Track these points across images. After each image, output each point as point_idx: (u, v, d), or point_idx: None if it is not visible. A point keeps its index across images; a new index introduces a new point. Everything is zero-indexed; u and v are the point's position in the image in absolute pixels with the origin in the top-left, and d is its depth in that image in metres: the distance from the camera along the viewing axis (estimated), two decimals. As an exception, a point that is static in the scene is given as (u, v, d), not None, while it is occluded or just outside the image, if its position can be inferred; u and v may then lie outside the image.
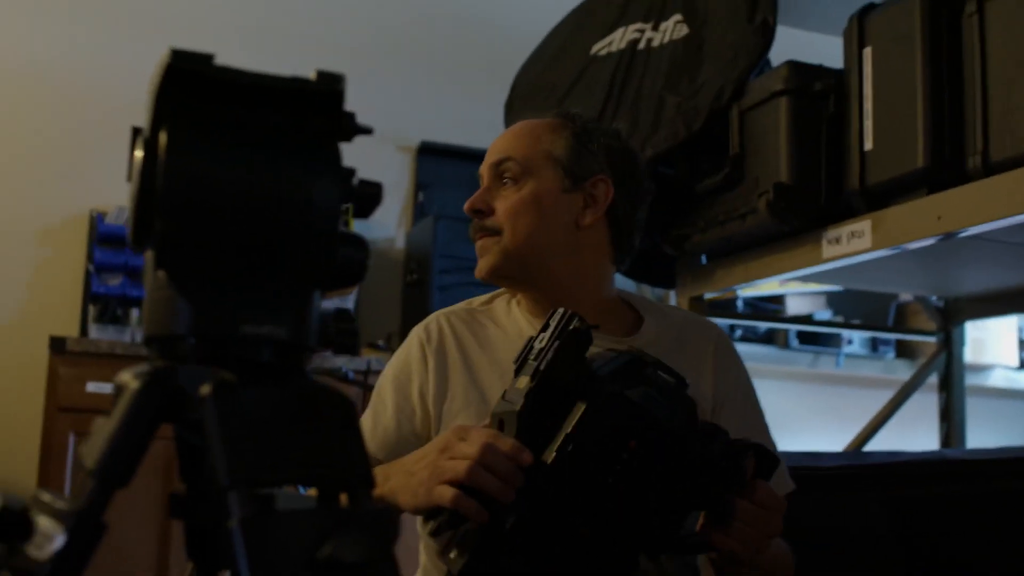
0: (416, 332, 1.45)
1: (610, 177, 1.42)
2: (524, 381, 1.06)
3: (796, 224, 1.99)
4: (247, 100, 0.61)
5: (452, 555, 1.03)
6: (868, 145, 1.83)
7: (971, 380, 3.20)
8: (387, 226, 3.99)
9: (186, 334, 0.59)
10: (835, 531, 1.91)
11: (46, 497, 0.55)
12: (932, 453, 2.37)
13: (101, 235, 3.44)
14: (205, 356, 0.59)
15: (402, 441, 1.37)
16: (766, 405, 1.49)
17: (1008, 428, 4.02)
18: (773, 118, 1.97)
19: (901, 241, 1.79)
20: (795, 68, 1.96)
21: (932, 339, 3.00)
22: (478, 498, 1.02)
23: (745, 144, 2.06)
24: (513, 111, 2.64)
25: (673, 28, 2.27)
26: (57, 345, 3.04)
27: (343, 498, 0.58)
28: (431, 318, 1.47)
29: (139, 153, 0.59)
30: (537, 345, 1.08)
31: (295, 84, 0.61)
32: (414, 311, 3.62)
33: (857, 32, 1.88)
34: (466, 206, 1.42)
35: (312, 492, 0.60)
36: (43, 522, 0.54)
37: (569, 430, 1.02)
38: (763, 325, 4.37)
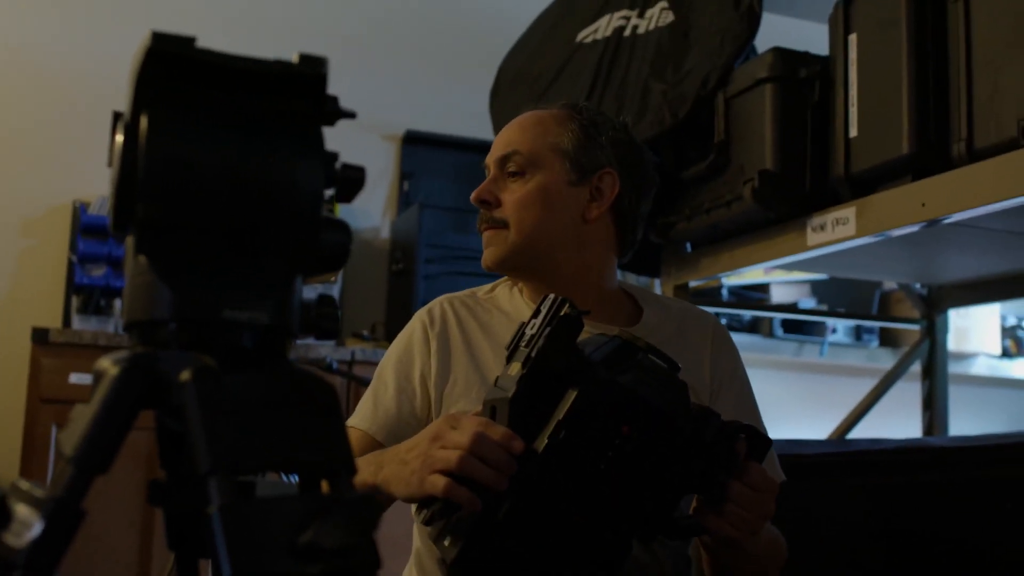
0: (420, 315, 1.45)
1: (617, 170, 1.42)
2: (516, 368, 1.06)
3: (781, 211, 1.99)
4: (229, 83, 0.60)
5: (446, 543, 1.03)
6: (853, 132, 1.83)
7: (954, 368, 3.22)
8: (372, 215, 3.97)
9: (167, 319, 0.58)
10: (818, 518, 1.92)
11: (24, 485, 0.55)
12: (915, 441, 2.38)
13: (84, 225, 3.42)
14: (186, 342, 0.58)
15: (402, 423, 1.36)
16: (750, 394, 1.50)
17: (990, 416, 4.05)
18: (758, 105, 1.97)
19: (886, 228, 1.79)
20: (780, 55, 1.96)
21: (916, 327, 3.02)
22: (471, 486, 1.02)
23: (730, 131, 2.06)
24: (498, 99, 2.64)
25: (659, 15, 2.26)
26: (40, 336, 3.03)
27: (324, 484, 0.58)
28: (435, 302, 1.47)
29: (119, 137, 0.58)
30: (528, 331, 1.07)
31: (277, 67, 0.60)
32: (399, 301, 3.61)
33: (842, 18, 1.88)
34: (473, 196, 1.41)
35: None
36: (21, 509, 0.53)
37: (561, 417, 1.02)
38: (748, 314, 4.39)
